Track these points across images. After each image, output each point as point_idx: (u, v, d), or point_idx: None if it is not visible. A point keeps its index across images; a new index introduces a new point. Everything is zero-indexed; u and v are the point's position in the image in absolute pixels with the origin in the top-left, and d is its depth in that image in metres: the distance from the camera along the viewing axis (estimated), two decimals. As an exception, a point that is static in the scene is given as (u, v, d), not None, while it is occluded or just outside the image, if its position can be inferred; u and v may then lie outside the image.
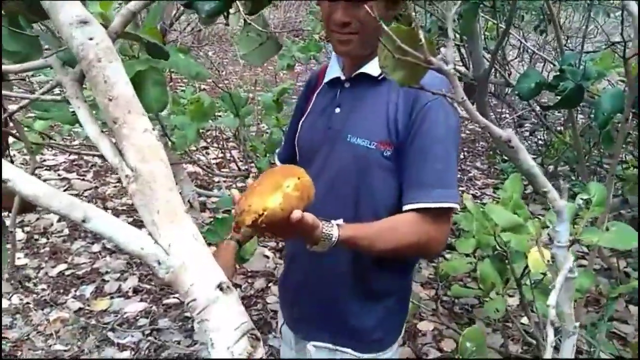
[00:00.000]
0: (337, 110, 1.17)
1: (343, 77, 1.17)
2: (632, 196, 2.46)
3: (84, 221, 0.47)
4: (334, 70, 1.19)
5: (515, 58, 4.20)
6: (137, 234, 0.48)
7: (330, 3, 1.06)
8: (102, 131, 0.53)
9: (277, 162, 1.38)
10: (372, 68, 1.12)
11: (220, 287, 0.47)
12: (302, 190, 0.94)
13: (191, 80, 1.91)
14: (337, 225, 1.01)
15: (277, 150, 1.45)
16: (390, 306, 1.23)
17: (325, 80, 1.21)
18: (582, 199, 1.22)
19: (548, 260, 1.10)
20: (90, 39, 0.51)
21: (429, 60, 0.47)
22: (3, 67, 0.60)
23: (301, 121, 1.26)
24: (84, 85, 0.61)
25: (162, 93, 0.96)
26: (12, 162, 0.70)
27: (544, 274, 1.48)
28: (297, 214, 0.91)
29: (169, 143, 2.51)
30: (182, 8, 6.21)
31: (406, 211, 1.09)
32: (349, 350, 1.21)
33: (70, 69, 0.58)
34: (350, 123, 1.13)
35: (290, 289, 1.33)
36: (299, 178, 0.95)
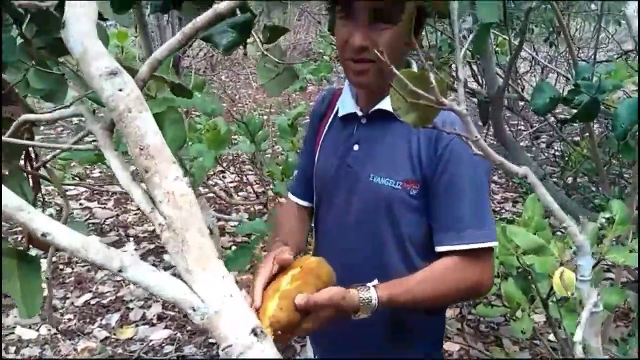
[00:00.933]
0: (356, 147, 1.12)
1: (360, 113, 1.12)
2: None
3: (120, 271, 0.49)
4: (349, 105, 1.14)
5: (528, 71, 4.20)
6: (171, 282, 0.49)
7: (348, 27, 1.00)
8: (134, 179, 0.55)
9: (294, 199, 1.31)
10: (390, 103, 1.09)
11: (254, 332, 0.48)
12: (305, 275, 0.88)
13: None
14: (374, 286, 0.95)
15: (290, 185, 1.38)
16: (428, 343, 1.21)
17: (340, 114, 1.17)
18: (604, 217, 1.22)
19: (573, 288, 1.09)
20: (120, 90, 0.53)
21: (441, 102, 0.48)
22: (35, 115, 0.63)
23: (317, 153, 1.21)
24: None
25: (180, 131, 0.98)
26: (43, 204, 0.73)
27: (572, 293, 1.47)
28: (300, 299, 0.83)
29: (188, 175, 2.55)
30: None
31: (440, 253, 1.05)
32: None
33: (100, 117, 0.61)
34: (371, 162, 1.09)
35: (325, 330, 1.30)
36: (301, 267, 0.90)
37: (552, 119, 3.30)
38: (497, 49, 2.93)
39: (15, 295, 0.78)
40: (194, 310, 0.48)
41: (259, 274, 0.91)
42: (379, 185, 1.07)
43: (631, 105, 1.73)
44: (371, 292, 0.93)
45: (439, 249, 1.05)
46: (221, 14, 0.52)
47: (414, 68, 1.12)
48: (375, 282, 0.96)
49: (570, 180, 3.57)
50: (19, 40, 1.09)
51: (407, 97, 0.52)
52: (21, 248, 0.79)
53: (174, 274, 0.52)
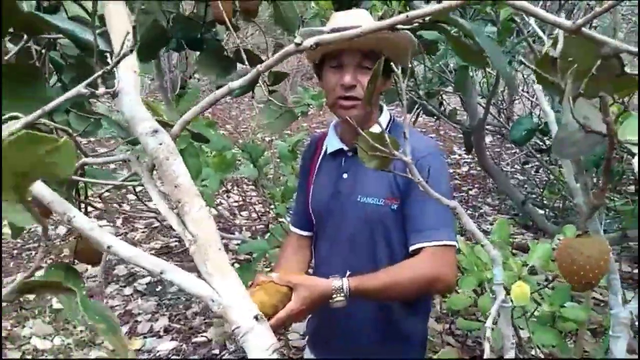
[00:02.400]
0: (345, 175, 1.35)
1: (346, 148, 1.37)
2: (631, 230, 2.60)
3: (161, 273, 0.68)
4: (335, 143, 1.39)
5: (516, 100, 4.42)
6: (197, 282, 0.68)
7: (338, 72, 1.25)
8: (169, 208, 0.74)
9: (295, 230, 1.52)
10: None
11: (256, 317, 0.67)
12: (275, 285, 1.12)
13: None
14: (347, 277, 1.16)
15: (291, 219, 1.59)
16: (414, 346, 1.39)
17: (329, 151, 1.40)
18: (559, 239, 1.40)
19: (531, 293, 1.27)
20: (160, 144, 0.73)
21: (393, 154, 0.68)
22: (92, 159, 0.82)
23: (311, 190, 1.44)
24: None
25: (197, 162, 1.19)
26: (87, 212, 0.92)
27: (538, 304, 1.64)
28: (279, 276, 1.13)
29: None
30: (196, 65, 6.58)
31: (412, 251, 1.25)
32: None
33: (143, 161, 0.80)
34: (358, 186, 1.32)
35: (321, 333, 1.48)
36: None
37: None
38: (483, 81, 3.14)
39: (64, 302, 0.97)
40: (213, 301, 0.67)
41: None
42: (365, 204, 1.30)
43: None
44: (342, 280, 1.15)
45: (410, 248, 1.26)
46: (232, 89, 0.73)
47: (385, 112, 1.34)
48: (348, 273, 1.18)
49: (559, 203, 3.76)
50: (58, 86, 1.29)
51: (369, 151, 0.72)
52: (67, 262, 0.98)
53: (198, 277, 0.71)
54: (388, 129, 1.35)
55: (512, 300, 1.30)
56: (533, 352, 2.00)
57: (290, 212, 1.73)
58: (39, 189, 0.69)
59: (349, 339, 1.36)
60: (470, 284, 1.68)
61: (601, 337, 2.69)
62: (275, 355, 0.66)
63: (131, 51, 0.60)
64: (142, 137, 0.74)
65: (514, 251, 1.76)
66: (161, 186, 0.75)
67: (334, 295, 1.15)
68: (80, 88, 0.57)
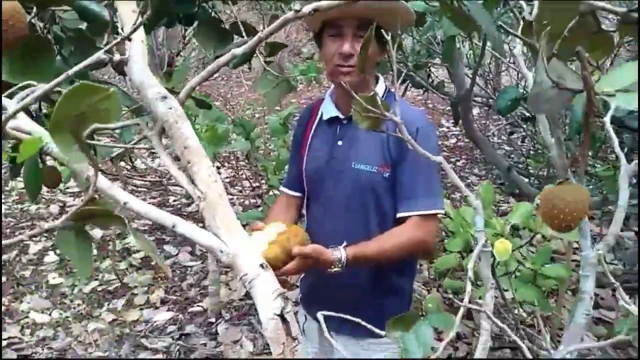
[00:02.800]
0: (340, 142, 1.42)
1: (341, 116, 1.42)
2: (611, 194, 2.70)
3: (173, 226, 0.74)
4: (331, 110, 1.44)
5: (502, 71, 4.48)
6: (207, 234, 0.75)
7: (337, 41, 1.30)
8: (179, 168, 0.80)
9: (285, 190, 1.60)
10: None
11: (261, 266, 0.74)
12: (290, 232, 1.19)
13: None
14: (343, 247, 1.26)
15: (282, 183, 1.67)
16: (402, 302, 1.49)
17: (324, 118, 1.46)
18: (539, 198, 1.48)
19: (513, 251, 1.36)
20: (170, 108, 0.78)
21: (384, 114, 0.74)
22: (103, 124, 0.87)
23: (305, 154, 1.49)
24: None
25: (195, 133, 1.23)
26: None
27: (521, 263, 1.74)
28: (297, 249, 1.18)
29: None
30: (187, 37, 6.52)
31: (399, 218, 1.36)
32: (366, 339, 1.46)
33: (152, 126, 0.86)
34: (353, 152, 1.38)
35: (314, 290, 1.57)
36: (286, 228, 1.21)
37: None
38: (471, 52, 3.19)
39: (74, 261, 1.03)
40: (222, 252, 0.74)
41: None
42: (359, 170, 1.38)
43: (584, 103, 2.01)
44: (341, 252, 1.25)
45: (399, 215, 1.36)
46: (236, 55, 0.78)
47: (381, 82, 1.40)
48: (344, 246, 1.27)
49: (544, 172, 3.86)
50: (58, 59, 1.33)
51: (362, 111, 0.78)
52: (80, 225, 1.04)
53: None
54: (384, 98, 1.41)
55: (494, 256, 1.38)
56: (516, 312, 2.11)
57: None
58: (58, 152, 0.74)
59: (339, 296, 1.45)
60: (457, 245, 1.76)
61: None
62: (279, 300, 0.73)
63: (147, 20, 0.65)
64: (152, 102, 0.79)
65: (499, 218, 1.84)
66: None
67: (333, 266, 1.25)
68: (100, 54, 0.61)
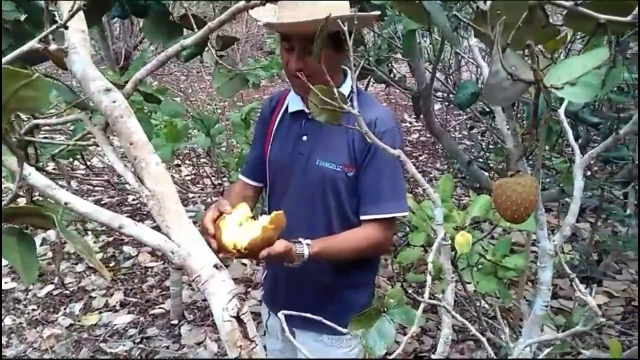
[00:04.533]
0: (304, 138, 1.39)
1: (307, 110, 1.39)
2: (568, 186, 2.77)
3: (120, 227, 0.70)
4: (297, 103, 1.41)
5: (463, 66, 4.54)
6: (156, 235, 0.71)
7: (288, 54, 1.30)
8: (125, 165, 0.76)
9: (243, 179, 1.56)
10: None
11: (215, 266, 0.71)
12: (277, 222, 1.18)
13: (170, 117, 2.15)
14: (307, 244, 1.26)
15: (242, 168, 1.63)
16: (363, 296, 1.49)
17: (290, 110, 1.43)
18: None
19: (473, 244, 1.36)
20: (114, 102, 0.74)
21: (341, 107, 0.72)
22: (44, 120, 0.82)
23: (269, 145, 1.47)
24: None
25: (147, 128, 1.18)
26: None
27: (482, 255, 1.76)
28: (264, 252, 1.16)
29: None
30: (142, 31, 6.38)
31: (362, 220, 1.36)
32: (329, 335, 1.46)
33: (95, 120, 0.81)
34: (318, 150, 1.37)
35: (276, 287, 1.55)
36: (275, 215, 1.19)
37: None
38: (430, 47, 3.21)
39: (17, 265, 0.97)
40: (173, 253, 0.70)
41: (205, 216, 1.23)
42: (324, 168, 1.36)
43: (542, 99, 2.05)
44: (304, 249, 1.25)
45: (362, 217, 1.35)
46: (185, 47, 0.74)
47: (349, 75, 1.37)
48: (309, 241, 1.27)
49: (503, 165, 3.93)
50: None
51: (319, 104, 0.76)
52: (20, 227, 0.98)
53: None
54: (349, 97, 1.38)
55: (455, 249, 1.39)
56: (478, 304, 2.14)
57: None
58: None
59: (301, 291, 1.44)
60: (420, 239, 1.77)
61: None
62: (235, 300, 0.70)
63: (84, 6, 0.60)
64: (95, 96, 0.75)
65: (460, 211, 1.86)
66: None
67: (296, 259, 1.25)
68: (34, 42, 0.57)
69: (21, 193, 0.60)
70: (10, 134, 0.51)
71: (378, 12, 1.25)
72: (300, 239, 1.26)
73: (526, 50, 0.62)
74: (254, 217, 1.23)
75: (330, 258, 1.33)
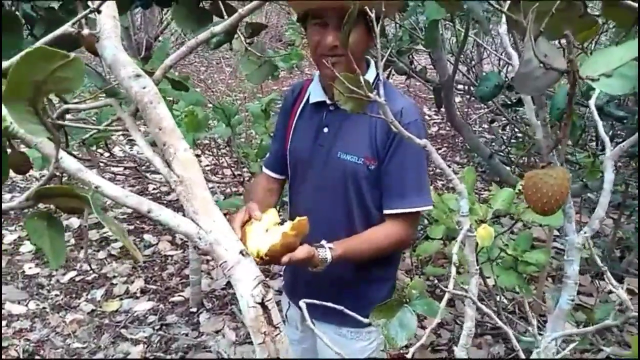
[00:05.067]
0: (326, 129, 1.37)
1: (329, 102, 1.37)
2: (591, 181, 2.73)
3: (148, 212, 0.71)
4: (319, 94, 1.39)
5: (485, 58, 4.48)
6: (184, 220, 0.72)
7: (319, 30, 1.25)
8: (154, 151, 0.77)
9: (267, 172, 1.56)
10: None
11: (241, 253, 0.71)
12: (299, 228, 1.18)
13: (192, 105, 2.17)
14: (330, 248, 1.25)
15: (265, 161, 1.63)
16: (384, 290, 1.48)
17: (311, 101, 1.41)
18: (521, 184, 1.48)
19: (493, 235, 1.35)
20: (144, 87, 0.75)
21: (368, 96, 0.71)
22: (75, 105, 0.83)
23: (290, 136, 1.46)
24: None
25: (172, 116, 1.19)
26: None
27: (502, 250, 1.74)
28: (286, 258, 1.15)
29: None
30: (165, 22, 6.38)
31: (386, 214, 1.34)
32: (349, 328, 1.46)
33: (125, 107, 0.82)
34: (339, 142, 1.35)
35: (297, 281, 1.55)
36: (297, 221, 1.19)
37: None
38: (453, 39, 3.17)
39: (46, 249, 0.99)
40: (200, 239, 0.71)
41: (234, 219, 1.22)
42: (345, 161, 1.34)
43: (566, 90, 2.02)
44: (327, 254, 1.24)
45: (386, 211, 1.33)
46: (215, 34, 0.74)
47: (372, 67, 1.36)
48: (331, 245, 1.26)
49: (524, 159, 3.89)
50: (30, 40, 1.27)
51: (345, 92, 0.75)
52: (49, 211, 0.99)
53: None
54: (374, 85, 1.35)
55: (477, 244, 1.37)
56: (498, 298, 2.13)
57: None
58: (24, 133, 0.70)
59: (321, 284, 1.43)
60: (439, 232, 1.76)
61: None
62: (260, 287, 0.71)
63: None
64: (125, 81, 0.75)
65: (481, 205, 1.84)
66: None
67: (319, 265, 1.24)
68: (68, 27, 0.58)
69: (57, 173, 0.61)
70: (43, 117, 0.52)
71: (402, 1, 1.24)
72: (322, 243, 1.25)
73: (562, 40, 0.61)
74: (281, 223, 1.23)
75: (354, 259, 1.33)
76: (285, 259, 1.15)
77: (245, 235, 1.19)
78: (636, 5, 0.53)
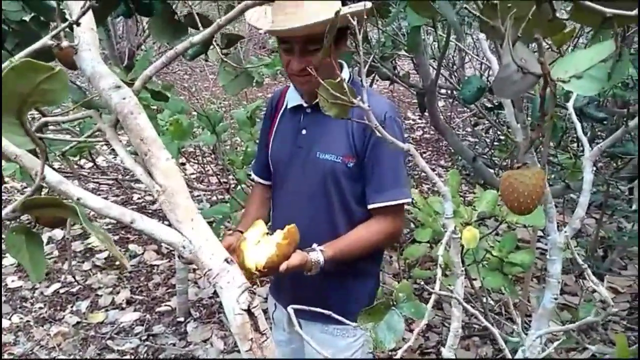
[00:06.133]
0: (304, 132, 1.42)
1: (305, 104, 1.42)
2: (573, 182, 2.76)
3: (132, 222, 0.70)
4: (296, 98, 1.44)
5: (467, 63, 4.53)
6: (168, 230, 0.71)
7: (287, 55, 1.32)
8: (135, 161, 0.76)
9: (258, 180, 1.61)
10: None
11: (226, 260, 0.71)
12: (291, 237, 1.22)
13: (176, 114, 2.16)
14: (321, 251, 1.29)
15: (253, 168, 1.68)
16: (368, 284, 1.51)
17: (289, 106, 1.46)
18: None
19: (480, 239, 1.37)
20: (124, 98, 0.75)
21: (351, 101, 0.72)
22: (54, 117, 0.83)
23: (270, 141, 1.50)
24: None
25: (155, 126, 1.19)
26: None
27: (488, 251, 1.76)
28: (283, 266, 1.21)
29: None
30: (147, 31, 6.36)
31: (371, 209, 1.38)
32: (335, 325, 1.46)
33: (105, 117, 0.81)
34: (317, 142, 1.39)
35: (282, 278, 1.54)
36: (287, 230, 1.23)
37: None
38: (434, 43, 3.20)
39: (25, 263, 0.98)
40: (184, 247, 0.71)
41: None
42: (324, 160, 1.38)
43: (548, 94, 2.05)
44: (319, 257, 1.28)
45: (370, 206, 1.38)
46: (194, 44, 0.74)
47: (345, 70, 1.39)
48: (322, 247, 1.30)
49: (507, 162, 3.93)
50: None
51: (329, 98, 0.76)
52: (28, 226, 0.98)
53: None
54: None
55: (462, 246, 1.38)
56: (485, 300, 2.14)
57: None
58: (8, 145, 0.70)
59: (306, 281, 1.44)
60: (426, 235, 1.76)
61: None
62: (246, 294, 0.71)
63: (98, 7, 0.61)
64: (105, 93, 0.75)
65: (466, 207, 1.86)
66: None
67: (313, 268, 1.29)
68: (47, 39, 0.57)
69: (43, 184, 0.60)
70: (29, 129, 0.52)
71: (368, 5, 1.23)
72: (313, 246, 1.30)
73: (534, 44, 0.63)
74: (269, 233, 1.28)
75: (346, 258, 1.36)
76: (282, 267, 1.20)
77: (241, 254, 1.22)
78: (602, 8, 0.55)
